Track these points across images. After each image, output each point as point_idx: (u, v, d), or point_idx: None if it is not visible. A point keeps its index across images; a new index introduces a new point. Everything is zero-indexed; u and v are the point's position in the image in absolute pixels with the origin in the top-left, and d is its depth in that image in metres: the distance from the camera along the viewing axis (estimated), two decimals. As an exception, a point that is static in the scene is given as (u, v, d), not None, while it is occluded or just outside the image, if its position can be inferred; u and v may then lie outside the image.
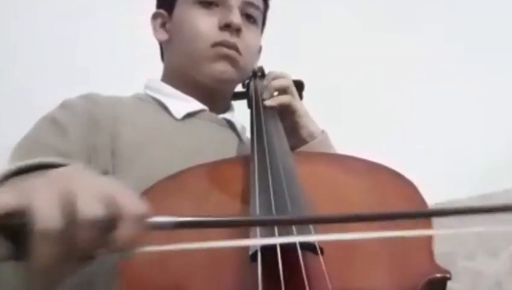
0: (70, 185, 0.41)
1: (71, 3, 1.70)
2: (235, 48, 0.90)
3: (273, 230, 0.52)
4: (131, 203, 0.43)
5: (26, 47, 1.65)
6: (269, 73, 1.00)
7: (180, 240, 0.44)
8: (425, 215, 0.53)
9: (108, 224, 0.41)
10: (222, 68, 0.90)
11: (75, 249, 0.40)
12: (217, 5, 0.91)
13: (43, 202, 0.39)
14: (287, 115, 0.94)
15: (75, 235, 0.40)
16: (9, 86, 1.58)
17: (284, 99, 0.93)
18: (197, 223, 0.44)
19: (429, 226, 0.61)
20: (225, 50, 0.89)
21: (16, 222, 0.39)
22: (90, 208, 0.40)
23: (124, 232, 0.41)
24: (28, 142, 0.78)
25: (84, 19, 1.69)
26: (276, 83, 0.94)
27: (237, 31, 0.90)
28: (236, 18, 0.90)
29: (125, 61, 1.61)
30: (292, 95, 0.95)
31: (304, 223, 0.47)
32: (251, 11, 0.95)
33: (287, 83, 0.95)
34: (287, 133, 0.94)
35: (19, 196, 0.40)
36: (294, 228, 0.52)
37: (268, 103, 0.92)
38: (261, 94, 0.95)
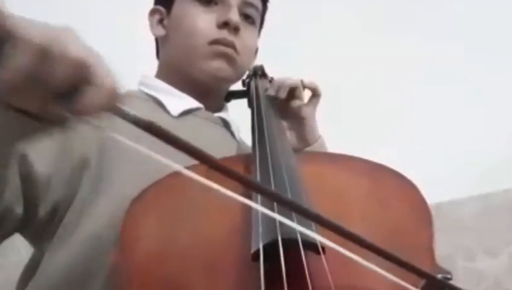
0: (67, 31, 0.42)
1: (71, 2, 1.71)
2: (232, 46, 0.90)
3: (276, 229, 0.52)
4: (110, 78, 0.42)
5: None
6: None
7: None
8: (422, 275, 0.52)
9: (82, 78, 0.41)
10: (218, 66, 0.90)
11: (43, 80, 0.40)
12: (216, 3, 0.92)
13: (38, 29, 0.40)
14: (300, 112, 0.95)
15: (51, 63, 0.40)
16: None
17: (292, 82, 0.95)
18: (162, 133, 0.43)
19: (430, 230, 0.61)
20: (222, 48, 0.89)
21: None
22: (77, 48, 0.41)
23: (90, 95, 0.41)
24: None
25: (83, 17, 1.69)
26: (287, 80, 0.95)
27: (235, 29, 0.90)
28: (234, 16, 0.90)
29: (124, 59, 1.61)
30: (301, 98, 0.96)
31: (302, 213, 0.47)
32: (250, 11, 0.95)
33: (297, 82, 0.96)
34: (291, 131, 0.95)
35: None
36: (296, 229, 0.52)
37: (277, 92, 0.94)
38: (263, 96, 0.96)
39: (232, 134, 0.96)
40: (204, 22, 0.90)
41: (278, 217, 0.45)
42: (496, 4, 1.82)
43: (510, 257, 1.58)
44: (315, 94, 0.96)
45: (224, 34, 0.89)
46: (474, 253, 1.60)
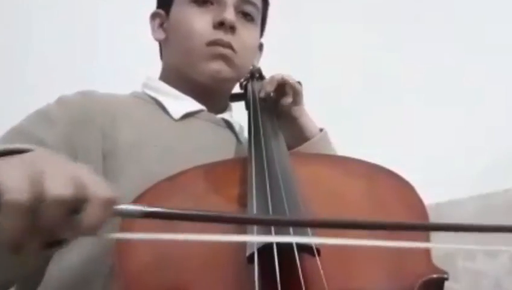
0: (42, 164, 0.42)
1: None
2: (229, 46, 0.89)
3: (270, 230, 0.52)
4: (100, 187, 0.43)
5: (28, 45, 1.66)
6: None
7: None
8: (422, 228, 0.52)
9: (75, 205, 0.42)
10: (217, 67, 0.89)
11: (41, 227, 0.41)
12: (212, 3, 0.91)
13: (12, 176, 0.40)
14: (290, 113, 0.94)
15: (41, 211, 0.40)
16: (11, 84, 1.59)
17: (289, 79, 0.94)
18: (169, 214, 0.43)
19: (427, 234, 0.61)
20: (220, 49, 0.89)
21: None
22: (59, 186, 0.41)
23: (90, 214, 0.42)
24: (13, 132, 0.78)
25: (86, 16, 1.71)
26: (285, 75, 0.94)
27: (231, 28, 0.89)
28: (229, 15, 0.89)
29: (127, 59, 1.62)
30: (299, 95, 0.95)
31: (299, 225, 0.47)
32: (248, 8, 0.94)
33: (294, 79, 0.95)
34: (287, 131, 0.94)
35: None
36: (291, 229, 0.52)
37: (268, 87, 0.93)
38: (260, 98, 0.95)
39: (236, 135, 0.96)
40: (201, 23, 0.90)
41: (275, 239, 0.45)
42: (495, 6, 1.83)
43: (510, 257, 1.58)
44: (295, 92, 0.95)
45: (221, 34, 0.89)
46: (474, 253, 1.59)
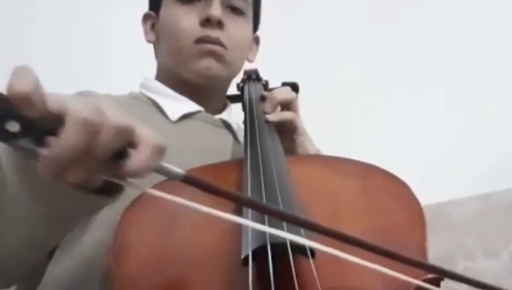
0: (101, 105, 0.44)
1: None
2: (218, 42, 0.88)
3: (265, 234, 0.52)
4: (151, 134, 0.44)
5: (28, 45, 1.66)
6: (272, 88, 0.99)
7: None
8: (423, 267, 0.52)
9: (128, 140, 0.43)
10: (207, 65, 0.88)
11: (92, 152, 0.42)
12: (198, 0, 0.90)
13: (79, 105, 0.42)
14: (287, 132, 0.91)
15: (99, 135, 0.42)
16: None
17: (288, 115, 0.90)
18: (206, 186, 0.43)
19: (423, 230, 0.61)
20: (208, 46, 0.87)
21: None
22: (118, 118, 0.43)
23: (136, 157, 0.43)
24: None
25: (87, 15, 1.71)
26: (281, 96, 0.91)
27: (219, 24, 0.88)
28: (215, 11, 0.87)
29: (128, 58, 1.63)
30: (295, 110, 0.92)
31: (292, 222, 0.47)
32: (236, 2, 0.92)
33: (292, 96, 0.92)
34: (283, 149, 0.93)
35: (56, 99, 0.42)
36: (285, 228, 0.52)
37: (271, 118, 0.88)
38: (256, 100, 0.94)
39: (234, 135, 0.95)
40: (188, 21, 0.89)
41: (267, 229, 0.45)
42: (491, 6, 1.83)
43: (510, 257, 1.58)
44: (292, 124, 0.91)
45: (208, 31, 0.88)
46: (474, 253, 1.59)
